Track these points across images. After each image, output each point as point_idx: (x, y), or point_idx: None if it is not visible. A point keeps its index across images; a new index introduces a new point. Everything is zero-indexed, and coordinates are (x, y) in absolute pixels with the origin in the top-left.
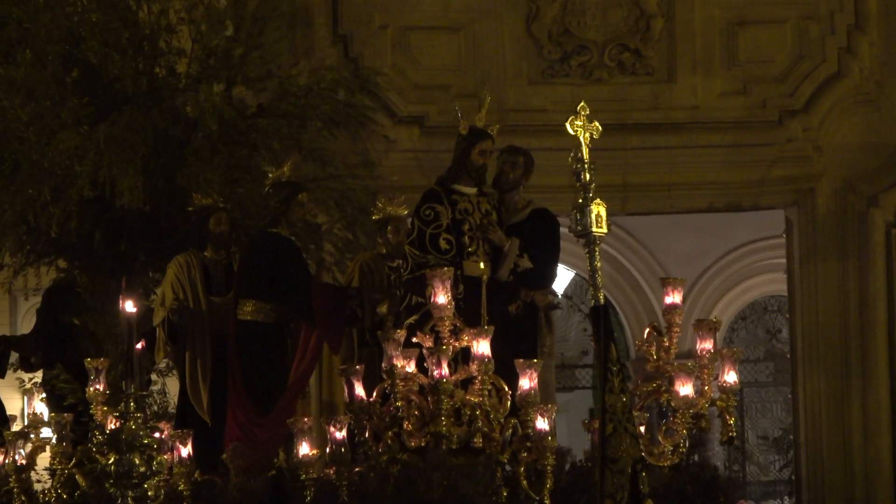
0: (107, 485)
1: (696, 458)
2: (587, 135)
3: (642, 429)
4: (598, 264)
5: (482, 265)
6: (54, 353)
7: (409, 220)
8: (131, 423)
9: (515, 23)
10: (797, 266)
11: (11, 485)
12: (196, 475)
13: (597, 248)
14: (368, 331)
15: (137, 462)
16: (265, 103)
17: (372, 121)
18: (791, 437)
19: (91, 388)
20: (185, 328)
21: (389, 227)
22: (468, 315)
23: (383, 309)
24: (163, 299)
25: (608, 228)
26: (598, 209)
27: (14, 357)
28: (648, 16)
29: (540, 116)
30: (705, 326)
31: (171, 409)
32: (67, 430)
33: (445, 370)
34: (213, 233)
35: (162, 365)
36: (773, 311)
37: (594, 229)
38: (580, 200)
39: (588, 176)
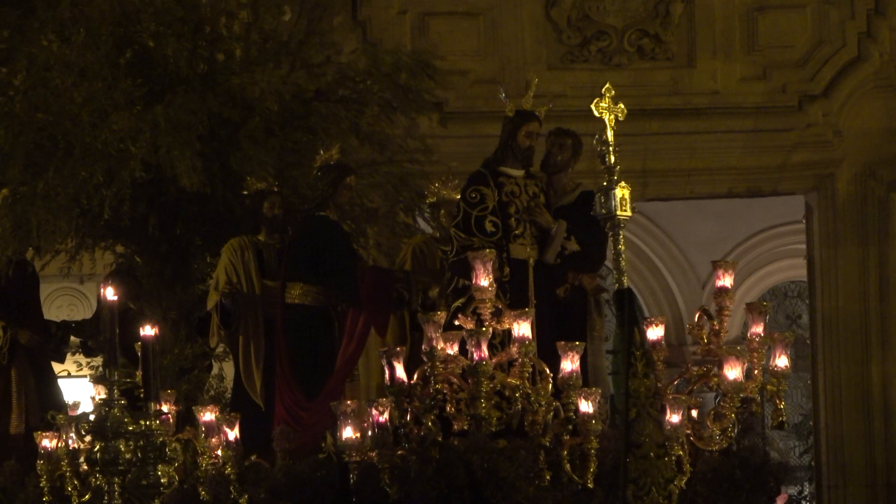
0: (95, 472)
1: (746, 442)
2: (612, 117)
3: (695, 413)
4: (623, 248)
5: (529, 248)
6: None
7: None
8: (116, 409)
9: (534, 8)
10: (817, 251)
11: (63, 468)
12: (253, 458)
13: (621, 232)
14: (419, 314)
15: (123, 449)
16: (323, 87)
17: (430, 105)
18: (811, 422)
19: (139, 373)
20: (238, 312)
21: (443, 211)
22: (515, 298)
23: (434, 292)
24: (217, 283)
25: (632, 212)
26: (622, 192)
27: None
28: (668, 1)
29: (559, 102)
30: (755, 310)
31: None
32: None
33: (485, 352)
34: (267, 216)
35: (220, 350)
36: (794, 296)
37: (619, 212)
38: (604, 183)
39: (613, 158)
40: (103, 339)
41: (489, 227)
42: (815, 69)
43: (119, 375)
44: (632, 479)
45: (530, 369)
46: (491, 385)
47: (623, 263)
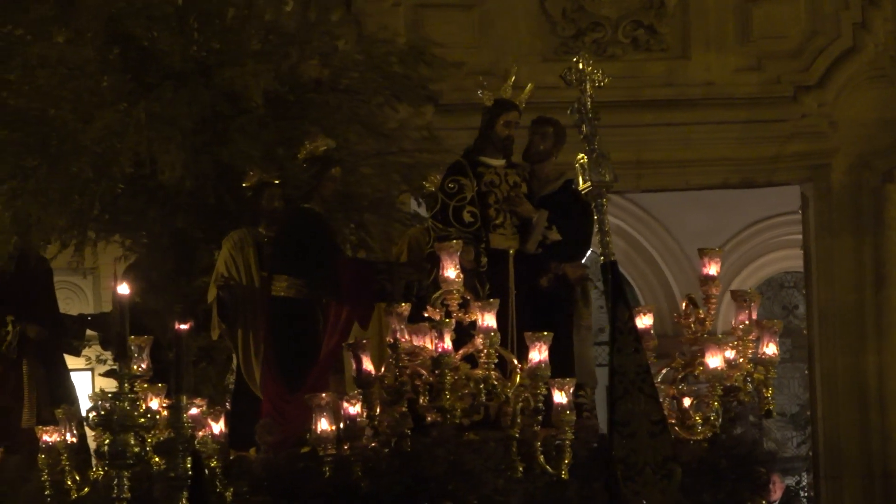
0: (104, 464)
1: (737, 431)
2: (588, 84)
3: (687, 402)
4: (607, 217)
5: (509, 238)
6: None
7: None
8: (125, 403)
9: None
10: (813, 242)
11: (63, 463)
12: (251, 451)
13: (605, 202)
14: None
15: (132, 442)
16: (325, 78)
17: (432, 93)
18: (808, 413)
19: (134, 367)
20: (235, 305)
21: None
22: (495, 288)
23: (427, 283)
24: (215, 276)
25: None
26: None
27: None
28: None
29: (553, 93)
30: (740, 298)
31: None
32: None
33: (448, 344)
34: (266, 209)
35: None
36: (790, 287)
37: (606, 179)
38: (582, 153)
39: (589, 128)
40: (114, 333)
41: (467, 217)
42: (809, 60)
43: (129, 369)
44: (619, 458)
45: (495, 360)
46: (455, 377)
47: (608, 237)
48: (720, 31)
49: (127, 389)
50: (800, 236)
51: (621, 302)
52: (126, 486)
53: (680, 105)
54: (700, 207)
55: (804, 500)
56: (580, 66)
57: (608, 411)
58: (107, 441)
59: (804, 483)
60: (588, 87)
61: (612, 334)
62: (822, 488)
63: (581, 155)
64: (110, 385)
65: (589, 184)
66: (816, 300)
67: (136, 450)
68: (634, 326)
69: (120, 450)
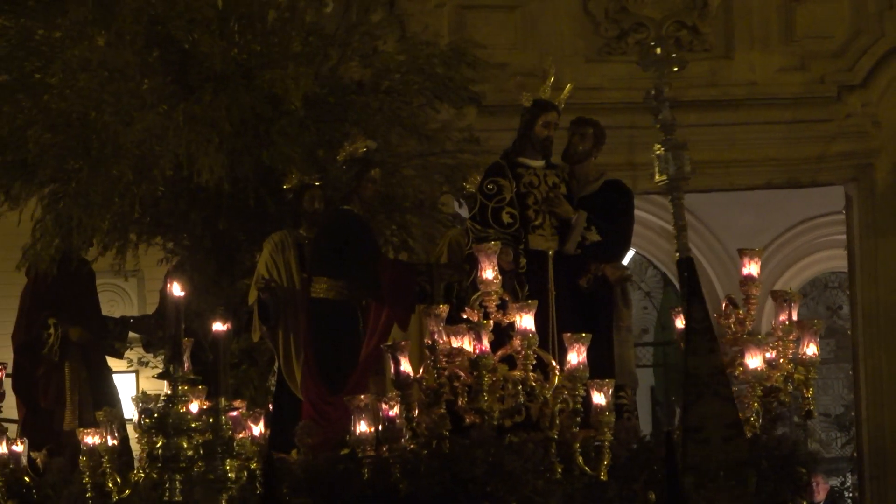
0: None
1: (779, 432)
2: (669, 68)
3: None
4: (684, 212)
5: (548, 239)
6: None
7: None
8: (179, 406)
9: (572, 0)
10: (857, 242)
11: (105, 465)
12: (293, 452)
13: (681, 196)
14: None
15: (185, 446)
16: (365, 80)
17: (475, 94)
18: (853, 413)
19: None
20: (276, 307)
21: None
22: (534, 289)
23: (467, 283)
24: (256, 278)
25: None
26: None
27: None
28: None
29: (597, 94)
30: (780, 298)
31: None
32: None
33: (486, 345)
34: (307, 210)
35: None
36: (834, 287)
37: (686, 170)
38: (659, 143)
39: (667, 115)
40: (166, 335)
41: (506, 218)
42: (853, 59)
43: (182, 371)
44: (691, 465)
45: (533, 361)
46: (493, 378)
47: (684, 232)
48: (763, 31)
49: (180, 392)
50: (844, 236)
51: (696, 300)
52: (178, 490)
53: (724, 105)
54: (744, 207)
55: (849, 500)
56: (657, 51)
57: (682, 417)
58: (159, 444)
59: (849, 484)
60: (669, 70)
61: (687, 335)
62: (866, 489)
63: (657, 145)
64: (153, 387)
65: (665, 177)
66: (860, 300)
67: (190, 453)
68: (710, 326)
69: (174, 453)
